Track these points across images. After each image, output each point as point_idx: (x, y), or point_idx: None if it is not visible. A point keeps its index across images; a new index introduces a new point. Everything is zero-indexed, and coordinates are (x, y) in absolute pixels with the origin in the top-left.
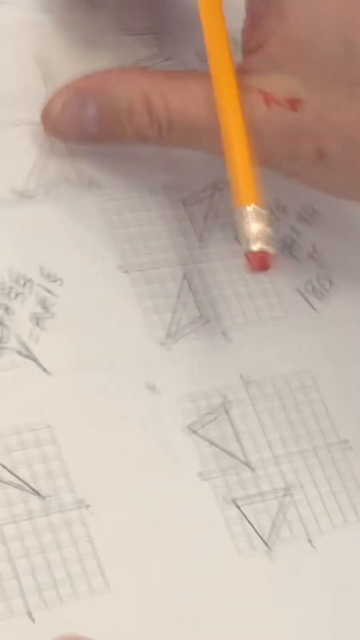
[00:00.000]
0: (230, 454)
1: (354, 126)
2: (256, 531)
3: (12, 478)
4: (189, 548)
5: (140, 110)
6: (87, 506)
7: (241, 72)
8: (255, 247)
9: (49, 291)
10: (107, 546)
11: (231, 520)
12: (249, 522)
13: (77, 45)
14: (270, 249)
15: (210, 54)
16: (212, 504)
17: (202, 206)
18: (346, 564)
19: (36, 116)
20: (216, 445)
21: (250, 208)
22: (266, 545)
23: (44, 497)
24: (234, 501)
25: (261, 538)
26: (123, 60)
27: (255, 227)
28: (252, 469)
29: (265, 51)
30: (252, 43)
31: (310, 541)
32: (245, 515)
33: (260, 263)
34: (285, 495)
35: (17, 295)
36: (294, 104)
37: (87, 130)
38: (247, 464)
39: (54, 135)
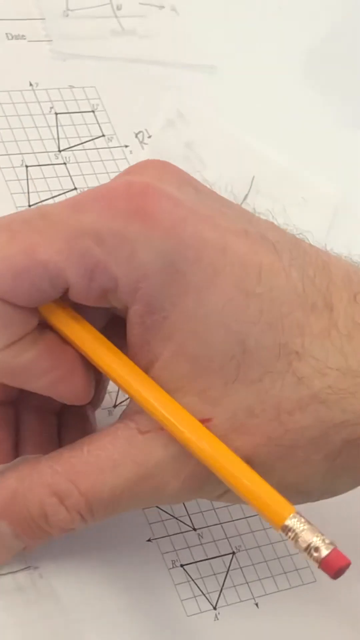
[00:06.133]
0: (178, 520)
1: (269, 425)
2: (204, 594)
3: None
4: (139, 610)
5: (53, 508)
6: (36, 568)
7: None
8: (327, 549)
9: None
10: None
11: (180, 584)
12: (197, 585)
13: None
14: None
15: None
16: (161, 568)
17: None
18: (290, 626)
19: None
20: (164, 512)
21: (290, 520)
22: (214, 608)
23: None
24: (182, 566)
25: (209, 601)
26: None
27: (310, 532)
28: (200, 535)
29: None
30: None
31: (256, 604)
32: (193, 579)
33: (338, 561)
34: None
35: None
36: (204, 424)
37: (12, 547)
38: (194, 529)
39: None
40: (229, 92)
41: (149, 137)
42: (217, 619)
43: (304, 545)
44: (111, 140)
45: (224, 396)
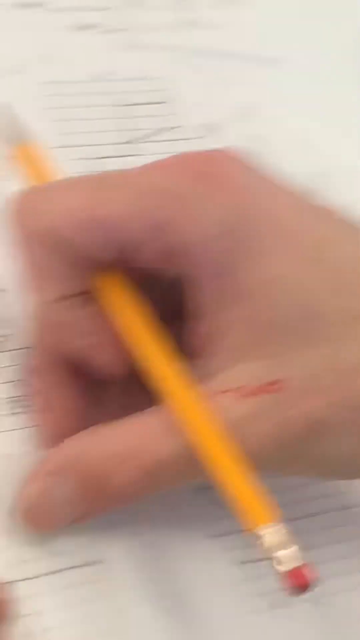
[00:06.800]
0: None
1: (338, 386)
2: (265, 593)
3: None
4: (203, 607)
5: (116, 467)
6: (101, 561)
7: (196, 383)
8: (296, 563)
9: None
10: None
11: (243, 581)
12: (259, 583)
13: None
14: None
15: (160, 380)
16: (225, 566)
17: None
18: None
19: None
20: (226, 508)
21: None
22: (273, 606)
23: None
24: (242, 563)
25: (269, 599)
26: None
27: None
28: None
29: (224, 348)
30: (200, 345)
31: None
32: (255, 577)
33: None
34: None
35: None
36: (273, 386)
37: (67, 511)
38: None
39: (34, 529)
40: (298, 85)
41: (218, 129)
42: (276, 618)
43: (270, 556)
44: (180, 133)
45: (292, 359)
